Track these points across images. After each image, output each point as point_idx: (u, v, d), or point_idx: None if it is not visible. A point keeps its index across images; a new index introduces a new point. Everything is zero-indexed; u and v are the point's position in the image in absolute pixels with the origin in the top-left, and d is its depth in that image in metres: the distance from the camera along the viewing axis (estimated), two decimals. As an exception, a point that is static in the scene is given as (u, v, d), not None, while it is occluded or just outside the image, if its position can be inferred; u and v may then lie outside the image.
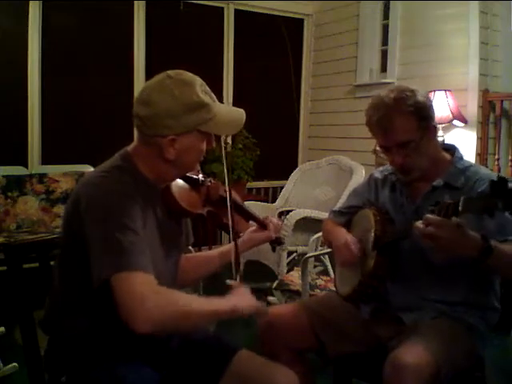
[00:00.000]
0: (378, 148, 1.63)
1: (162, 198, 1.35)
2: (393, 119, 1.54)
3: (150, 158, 1.30)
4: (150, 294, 1.11)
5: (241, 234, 1.59)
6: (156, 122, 1.25)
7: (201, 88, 1.28)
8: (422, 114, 1.54)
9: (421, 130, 1.54)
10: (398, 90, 1.56)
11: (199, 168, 1.46)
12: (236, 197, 1.54)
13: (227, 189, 1.45)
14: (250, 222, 1.62)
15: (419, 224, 1.33)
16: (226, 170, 1.46)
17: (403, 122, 1.53)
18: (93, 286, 1.14)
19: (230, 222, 1.44)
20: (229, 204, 1.43)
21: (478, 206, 1.23)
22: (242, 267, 3.57)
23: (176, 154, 1.27)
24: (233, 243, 1.50)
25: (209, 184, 1.48)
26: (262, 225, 1.61)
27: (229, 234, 1.46)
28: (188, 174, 1.43)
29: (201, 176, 1.46)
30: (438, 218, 1.29)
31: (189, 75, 1.30)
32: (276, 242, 1.65)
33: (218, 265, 1.59)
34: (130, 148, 1.34)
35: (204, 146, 1.33)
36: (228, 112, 1.38)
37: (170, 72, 1.29)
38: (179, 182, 1.42)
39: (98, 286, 1.14)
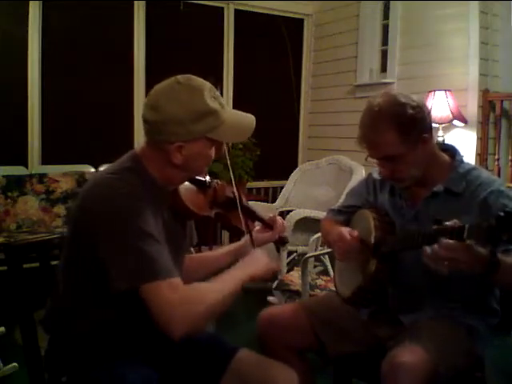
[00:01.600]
0: (369, 159, 1.60)
1: (170, 201, 1.35)
2: (375, 135, 1.52)
3: (157, 161, 1.30)
4: (178, 300, 1.15)
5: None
6: (163, 128, 1.24)
7: (210, 94, 1.27)
8: (408, 128, 1.49)
9: (407, 144, 1.50)
10: (386, 102, 1.51)
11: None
12: (243, 198, 1.55)
13: (235, 189, 1.47)
14: (256, 222, 1.62)
15: (435, 247, 1.28)
16: (231, 172, 1.47)
17: (385, 137, 1.49)
18: (112, 291, 1.15)
19: (243, 222, 1.46)
20: (239, 204, 1.46)
21: (482, 236, 1.22)
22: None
23: (183, 160, 1.27)
24: (237, 243, 1.52)
25: (216, 186, 1.49)
26: (268, 225, 1.60)
27: (235, 236, 1.48)
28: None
29: (208, 178, 1.46)
30: (453, 242, 1.25)
31: (198, 81, 1.29)
32: (280, 242, 1.65)
33: (222, 265, 1.58)
34: (138, 150, 1.33)
35: (212, 152, 1.32)
36: (237, 118, 1.36)
37: (179, 77, 1.28)
38: (186, 184, 1.42)
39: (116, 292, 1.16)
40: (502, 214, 1.16)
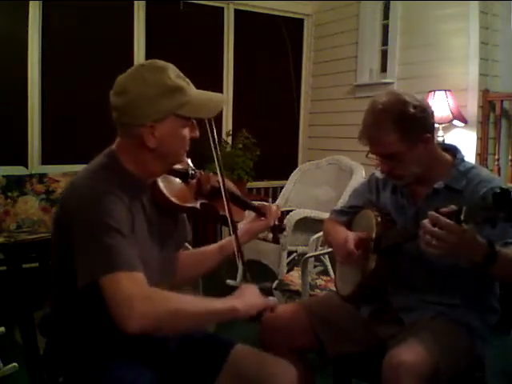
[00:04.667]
0: (369, 155, 1.60)
1: (151, 194, 1.34)
2: (376, 132, 1.53)
3: (133, 150, 1.29)
4: (139, 295, 1.10)
5: (239, 225, 1.55)
6: (132, 111, 1.24)
7: (174, 73, 1.27)
8: (409, 128, 1.50)
9: (407, 143, 1.51)
10: (390, 100, 1.53)
11: (191, 164, 1.44)
12: (230, 186, 1.52)
13: (219, 177, 1.43)
14: (248, 211, 1.58)
15: (427, 223, 1.28)
16: (216, 160, 1.43)
17: (386, 135, 1.51)
18: (77, 287, 1.14)
19: (227, 209, 1.41)
20: (223, 191, 1.41)
21: (480, 216, 1.21)
22: (240, 267, 3.54)
23: (157, 143, 1.25)
24: (230, 237, 1.47)
25: (199, 176, 1.46)
26: (260, 212, 1.57)
27: (226, 226, 1.43)
28: (177, 169, 1.41)
29: (191, 169, 1.44)
30: (450, 222, 1.25)
31: (161, 62, 1.29)
32: (277, 230, 1.63)
33: (218, 259, 1.57)
34: (114, 145, 1.33)
35: (186, 132, 1.30)
36: (205, 95, 1.34)
37: (141, 62, 1.31)
38: (168, 177, 1.39)
39: (83, 287, 1.14)
40: (498, 190, 1.16)
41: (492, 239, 1.34)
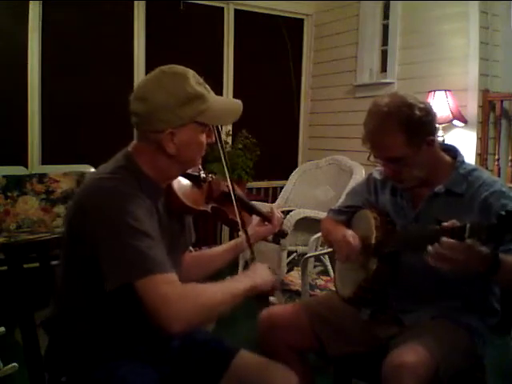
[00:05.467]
0: (371, 158, 1.59)
1: (165, 197, 1.35)
2: (382, 135, 1.51)
3: (150, 155, 1.29)
4: (176, 294, 1.14)
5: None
6: (152, 117, 1.25)
7: (194, 79, 1.28)
8: (416, 131, 1.49)
9: (413, 146, 1.49)
10: (395, 103, 1.50)
11: (201, 166, 1.46)
12: (238, 191, 1.55)
13: (229, 182, 1.46)
14: (254, 216, 1.62)
15: (436, 246, 1.29)
16: (224, 165, 1.46)
17: (393, 139, 1.49)
18: (106, 288, 1.14)
19: (238, 214, 1.44)
20: (233, 197, 1.45)
21: (484, 235, 1.22)
22: (241, 267, 3.55)
23: (176, 149, 1.27)
24: (237, 239, 1.52)
25: (211, 180, 1.49)
26: (266, 218, 1.60)
27: (233, 230, 1.48)
28: (189, 172, 1.43)
29: (202, 173, 1.46)
30: (454, 242, 1.26)
31: (181, 68, 1.30)
32: (280, 235, 1.66)
33: (222, 262, 1.59)
34: (130, 147, 1.33)
35: (204, 138, 1.32)
36: (224, 102, 1.37)
37: (162, 67, 1.30)
38: (181, 179, 1.42)
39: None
40: (503, 213, 1.15)
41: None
